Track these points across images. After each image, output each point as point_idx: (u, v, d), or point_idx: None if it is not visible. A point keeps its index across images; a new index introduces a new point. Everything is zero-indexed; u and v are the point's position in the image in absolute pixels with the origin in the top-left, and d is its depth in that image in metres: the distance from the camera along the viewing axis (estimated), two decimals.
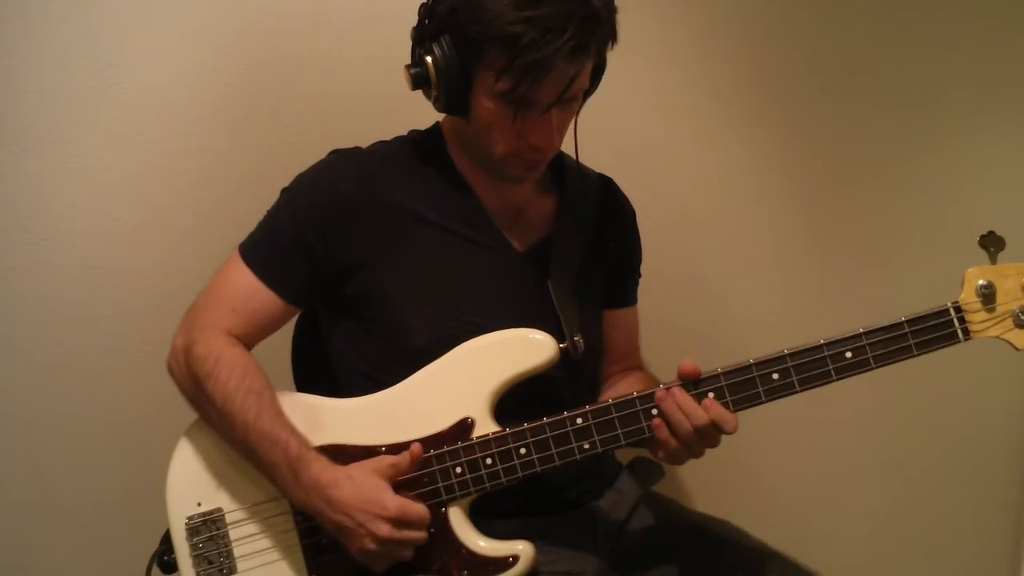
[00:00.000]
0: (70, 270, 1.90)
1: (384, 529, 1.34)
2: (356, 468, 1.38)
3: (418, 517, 1.36)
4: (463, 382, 1.46)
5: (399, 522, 1.34)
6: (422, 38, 1.43)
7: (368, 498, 1.35)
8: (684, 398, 1.38)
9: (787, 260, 2.26)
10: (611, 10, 1.41)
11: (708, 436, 1.39)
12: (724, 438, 1.40)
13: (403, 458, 1.40)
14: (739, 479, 2.22)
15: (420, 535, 1.37)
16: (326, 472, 1.37)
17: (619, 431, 1.41)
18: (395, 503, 1.35)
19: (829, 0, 2.19)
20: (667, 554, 1.58)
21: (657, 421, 1.39)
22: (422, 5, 1.44)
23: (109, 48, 1.87)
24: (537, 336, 1.46)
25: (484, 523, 1.45)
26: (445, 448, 1.43)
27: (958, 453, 2.37)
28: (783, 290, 2.26)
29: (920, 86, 2.24)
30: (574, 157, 1.63)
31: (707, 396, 1.39)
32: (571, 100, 1.44)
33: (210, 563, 1.45)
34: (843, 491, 2.35)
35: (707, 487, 2.19)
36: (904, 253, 2.27)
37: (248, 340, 1.51)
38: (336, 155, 1.56)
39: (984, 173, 2.27)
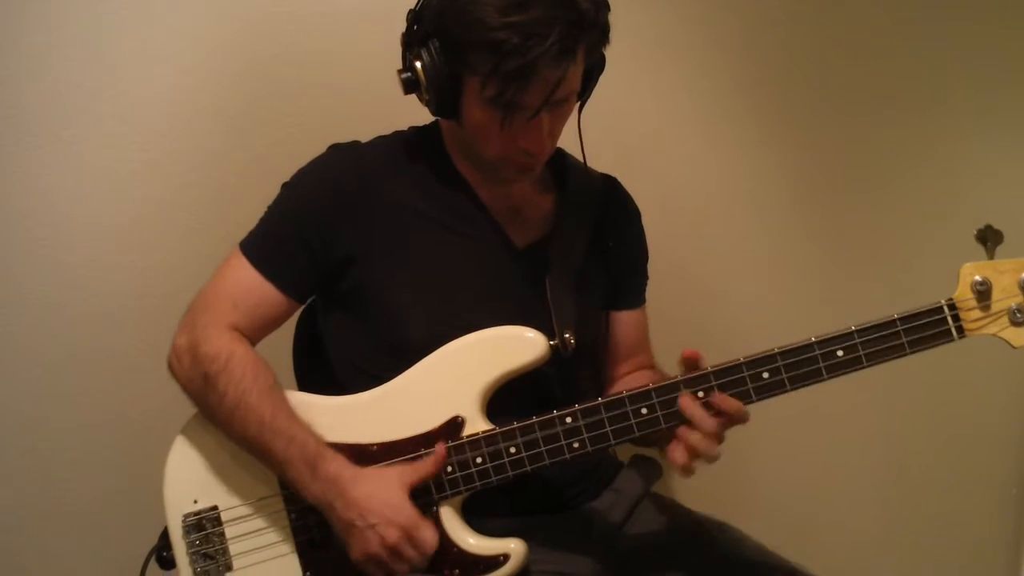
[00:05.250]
0: (70, 270, 1.86)
1: (394, 535, 1.29)
2: (375, 471, 1.35)
3: (427, 539, 1.32)
4: (453, 380, 1.40)
5: (409, 532, 1.30)
6: (411, 43, 1.38)
7: (384, 501, 1.31)
8: (699, 414, 1.31)
9: (786, 259, 2.22)
10: (601, 10, 1.34)
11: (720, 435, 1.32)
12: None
13: (425, 463, 1.35)
14: (739, 480, 2.18)
15: (422, 558, 1.32)
16: (345, 470, 1.33)
17: (608, 430, 1.35)
18: (409, 511, 1.31)
19: (828, 1, 2.15)
20: (666, 555, 1.52)
21: (675, 454, 1.31)
22: (410, 10, 1.39)
23: (109, 48, 1.83)
24: (528, 334, 1.40)
25: (478, 522, 1.40)
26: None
27: (958, 453, 2.32)
28: (783, 289, 2.21)
29: (919, 87, 2.20)
30: (578, 157, 1.58)
31: (713, 392, 1.31)
32: (561, 103, 1.38)
33: (207, 559, 1.41)
34: (843, 492, 2.30)
35: (707, 488, 2.10)
36: (904, 253, 2.22)
37: (251, 336, 1.46)
38: (335, 149, 1.52)
39: (983, 173, 2.23)
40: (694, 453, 1.30)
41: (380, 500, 1.30)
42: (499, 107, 1.32)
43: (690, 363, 1.33)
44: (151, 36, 1.84)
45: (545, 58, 1.26)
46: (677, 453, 1.31)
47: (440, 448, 1.35)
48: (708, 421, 1.29)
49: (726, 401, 1.30)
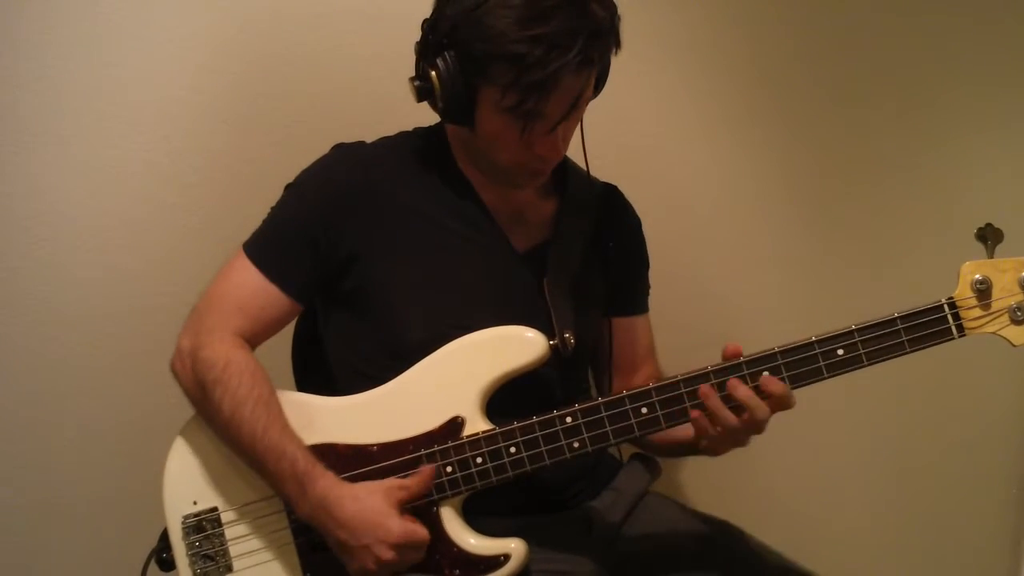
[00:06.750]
0: (70, 270, 1.84)
1: (388, 554, 1.29)
2: (364, 488, 1.33)
3: (421, 541, 1.32)
4: (454, 380, 1.39)
5: (402, 547, 1.30)
6: (425, 52, 1.37)
7: (374, 521, 1.30)
8: (742, 389, 1.30)
9: (788, 260, 2.20)
10: (614, 19, 1.34)
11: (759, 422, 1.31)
12: None
13: (414, 481, 1.34)
14: (739, 478, 2.15)
15: (419, 556, 1.33)
16: (333, 490, 1.32)
17: (608, 429, 1.34)
18: (400, 528, 1.30)
19: (828, 1, 2.13)
20: (665, 554, 1.51)
21: (695, 413, 1.32)
22: (425, 20, 1.38)
23: (109, 48, 1.82)
24: (528, 334, 1.39)
25: (478, 522, 1.39)
26: (436, 447, 1.37)
27: (958, 452, 2.29)
28: (784, 290, 2.19)
29: (919, 86, 2.18)
30: (581, 161, 1.56)
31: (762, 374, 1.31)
32: (577, 110, 1.37)
33: (207, 560, 1.40)
34: (843, 491, 2.27)
35: (707, 486, 2.13)
36: (905, 253, 2.20)
37: (255, 340, 1.45)
38: (339, 149, 1.51)
39: (984, 172, 2.20)
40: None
41: (369, 520, 1.29)
42: (518, 117, 1.32)
43: (730, 358, 1.33)
44: (151, 36, 1.83)
45: (567, 69, 1.26)
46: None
47: (425, 468, 1.34)
48: (762, 406, 1.29)
49: (772, 383, 1.29)
